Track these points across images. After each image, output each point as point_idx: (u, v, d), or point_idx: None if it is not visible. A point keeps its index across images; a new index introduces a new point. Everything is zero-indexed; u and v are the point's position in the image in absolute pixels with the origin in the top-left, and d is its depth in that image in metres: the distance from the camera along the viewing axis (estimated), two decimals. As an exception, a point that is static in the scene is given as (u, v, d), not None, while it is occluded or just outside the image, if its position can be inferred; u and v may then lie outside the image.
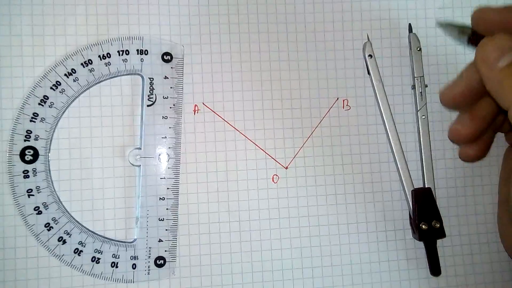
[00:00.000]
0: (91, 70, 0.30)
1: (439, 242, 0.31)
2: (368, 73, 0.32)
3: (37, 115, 0.30)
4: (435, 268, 0.31)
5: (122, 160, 0.30)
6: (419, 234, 0.31)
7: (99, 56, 0.30)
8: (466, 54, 0.33)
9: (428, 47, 0.33)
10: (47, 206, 0.29)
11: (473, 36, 0.27)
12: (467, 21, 0.33)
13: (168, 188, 0.30)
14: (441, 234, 0.31)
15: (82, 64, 0.30)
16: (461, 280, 0.32)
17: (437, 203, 0.31)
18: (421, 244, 0.32)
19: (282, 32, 0.32)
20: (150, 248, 0.30)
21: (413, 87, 0.32)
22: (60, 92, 0.30)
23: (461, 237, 0.33)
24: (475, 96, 0.28)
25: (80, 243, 0.29)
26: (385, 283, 0.32)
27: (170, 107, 0.31)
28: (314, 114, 0.32)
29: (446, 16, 0.33)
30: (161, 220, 0.30)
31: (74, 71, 0.30)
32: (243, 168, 0.31)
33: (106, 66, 0.30)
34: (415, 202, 0.31)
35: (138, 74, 0.31)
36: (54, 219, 0.29)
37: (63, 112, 0.30)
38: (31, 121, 0.29)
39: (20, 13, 0.30)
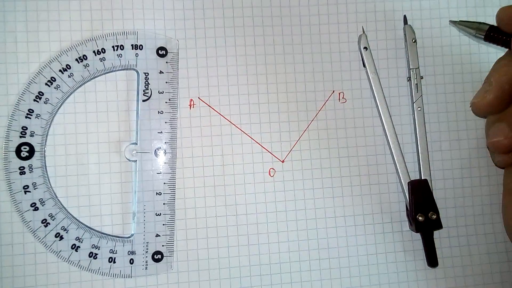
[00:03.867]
0: (86, 66, 0.30)
1: (436, 233, 0.31)
2: (364, 65, 0.32)
3: (33, 111, 0.30)
4: (432, 260, 0.31)
5: (118, 155, 0.30)
6: (416, 225, 0.31)
7: (94, 51, 0.30)
8: (461, 46, 0.33)
9: (423, 38, 0.33)
10: (43, 202, 0.29)
11: (489, 33, 0.28)
12: (462, 12, 0.34)
13: (164, 183, 0.30)
14: (438, 225, 0.31)
15: (76, 59, 0.30)
16: (458, 271, 0.32)
17: (434, 194, 0.31)
18: (418, 236, 0.32)
19: (277, 26, 0.32)
20: (147, 243, 0.30)
21: (409, 79, 0.32)
22: (55, 88, 0.30)
23: (458, 228, 0.33)
24: (508, 98, 0.28)
25: (77, 238, 0.29)
26: (383, 275, 0.32)
27: (166, 102, 0.31)
28: (310, 107, 0.32)
29: (441, 7, 0.33)
30: (158, 215, 0.30)
31: (69, 67, 0.30)
32: (240, 162, 0.31)
33: (101, 61, 0.30)
34: (412, 194, 0.31)
35: (133, 69, 0.31)
36: (51, 215, 0.29)
37: (59, 108, 0.30)
38: (26, 117, 0.29)
39: (14, 9, 0.30)
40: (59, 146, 0.30)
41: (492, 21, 0.29)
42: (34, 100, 0.30)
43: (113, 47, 0.30)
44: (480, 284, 0.32)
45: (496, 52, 0.33)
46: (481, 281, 0.32)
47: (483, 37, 0.29)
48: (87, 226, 0.30)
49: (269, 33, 0.32)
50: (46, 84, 0.30)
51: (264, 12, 0.32)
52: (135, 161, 0.30)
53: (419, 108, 0.32)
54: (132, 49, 0.31)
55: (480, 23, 0.29)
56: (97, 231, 0.30)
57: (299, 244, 0.31)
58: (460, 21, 0.30)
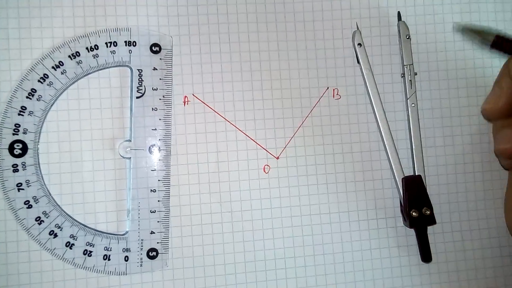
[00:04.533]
0: (78, 63, 0.30)
1: (430, 229, 0.32)
2: (358, 62, 0.32)
3: (25, 108, 0.29)
4: (426, 255, 0.31)
5: (112, 152, 0.30)
6: (409, 221, 0.31)
7: (87, 48, 0.30)
8: (455, 42, 0.34)
9: (417, 35, 0.33)
10: (37, 200, 0.29)
11: (496, 40, 0.28)
12: (456, 8, 0.34)
13: (159, 180, 0.30)
14: (432, 221, 0.31)
15: (69, 56, 0.30)
16: (452, 266, 0.33)
17: (427, 190, 0.31)
18: (412, 231, 0.32)
19: (271, 22, 0.32)
20: (142, 240, 0.30)
21: (403, 75, 0.32)
22: (48, 85, 0.30)
23: (451, 224, 0.33)
24: None
25: (72, 236, 0.29)
26: (377, 270, 0.32)
27: (160, 99, 0.31)
28: (304, 104, 0.32)
29: (435, 3, 0.33)
30: (153, 212, 0.30)
31: (61, 64, 0.30)
32: (234, 159, 0.31)
33: (94, 58, 0.30)
34: (406, 190, 0.31)
35: (127, 66, 0.31)
36: (44, 213, 0.29)
37: (52, 105, 0.30)
38: (19, 114, 0.29)
39: (6, 6, 0.30)
40: (52, 143, 0.30)
41: (488, 17, 0.29)
42: (27, 97, 0.29)
43: (106, 43, 0.30)
44: (474, 279, 0.33)
45: (482, 49, 0.33)
46: (475, 276, 0.33)
47: (489, 45, 0.29)
48: (81, 224, 0.30)
49: (263, 30, 0.32)
50: (38, 81, 0.30)
51: (258, 8, 0.32)
52: (129, 158, 0.30)
53: (413, 104, 0.32)
54: (126, 45, 0.30)
55: (485, 31, 0.29)
56: (92, 229, 0.30)
57: (294, 240, 0.31)
58: (464, 27, 0.30)
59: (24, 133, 0.29)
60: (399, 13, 0.33)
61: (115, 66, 0.30)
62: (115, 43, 0.30)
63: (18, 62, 0.30)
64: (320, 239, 0.32)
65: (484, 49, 0.32)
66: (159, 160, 0.30)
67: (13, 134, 0.29)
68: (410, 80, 0.32)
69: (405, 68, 0.32)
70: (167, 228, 0.30)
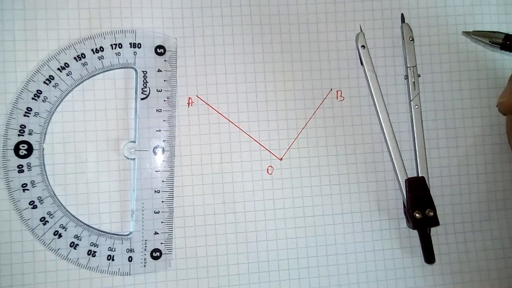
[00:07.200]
0: (84, 64, 0.30)
1: (433, 230, 0.32)
2: (361, 63, 0.32)
3: (31, 109, 0.30)
4: (429, 256, 0.31)
5: (117, 153, 0.30)
6: (413, 222, 0.31)
7: (92, 49, 0.30)
8: (458, 44, 0.34)
9: (421, 37, 0.33)
10: (42, 200, 0.29)
11: (505, 41, 0.29)
12: (459, 10, 0.34)
13: (163, 181, 0.30)
14: (435, 222, 0.31)
15: (75, 58, 0.30)
16: (455, 267, 0.33)
17: (431, 191, 0.31)
18: (415, 233, 0.32)
19: (275, 24, 0.32)
20: (146, 240, 0.30)
21: (406, 77, 0.32)
22: (53, 86, 0.30)
23: (455, 225, 0.33)
24: None
25: (76, 236, 0.30)
26: (380, 271, 0.32)
27: (164, 100, 0.31)
28: (308, 105, 0.32)
29: (438, 5, 0.33)
30: (157, 212, 0.30)
31: (67, 65, 0.30)
32: (238, 160, 0.31)
33: (99, 59, 0.30)
34: (409, 191, 0.31)
35: (132, 68, 0.31)
36: (49, 213, 0.29)
37: (57, 106, 0.30)
38: (24, 115, 0.29)
39: (12, 8, 0.30)
40: (57, 144, 0.30)
41: (490, 19, 0.29)
42: (33, 98, 0.30)
43: (111, 45, 0.30)
44: (477, 280, 0.33)
45: (493, 51, 0.34)
46: (478, 277, 0.33)
47: (499, 46, 0.29)
48: (85, 224, 0.30)
49: (267, 31, 0.32)
50: (44, 82, 0.30)
51: (262, 10, 0.32)
52: (134, 159, 0.30)
53: (417, 106, 0.32)
54: (131, 47, 0.31)
55: (494, 32, 0.30)
56: (96, 229, 0.30)
57: (297, 241, 0.31)
58: (474, 31, 0.31)
59: (30, 134, 0.29)
60: (402, 15, 0.33)
61: (120, 68, 0.31)
62: (120, 45, 0.31)
63: (24, 64, 0.30)
64: (323, 240, 0.32)
65: (494, 51, 0.32)
66: (163, 161, 0.31)
67: (19, 135, 0.29)
68: (414, 82, 0.32)
69: (409, 70, 0.32)
70: (171, 228, 0.30)
